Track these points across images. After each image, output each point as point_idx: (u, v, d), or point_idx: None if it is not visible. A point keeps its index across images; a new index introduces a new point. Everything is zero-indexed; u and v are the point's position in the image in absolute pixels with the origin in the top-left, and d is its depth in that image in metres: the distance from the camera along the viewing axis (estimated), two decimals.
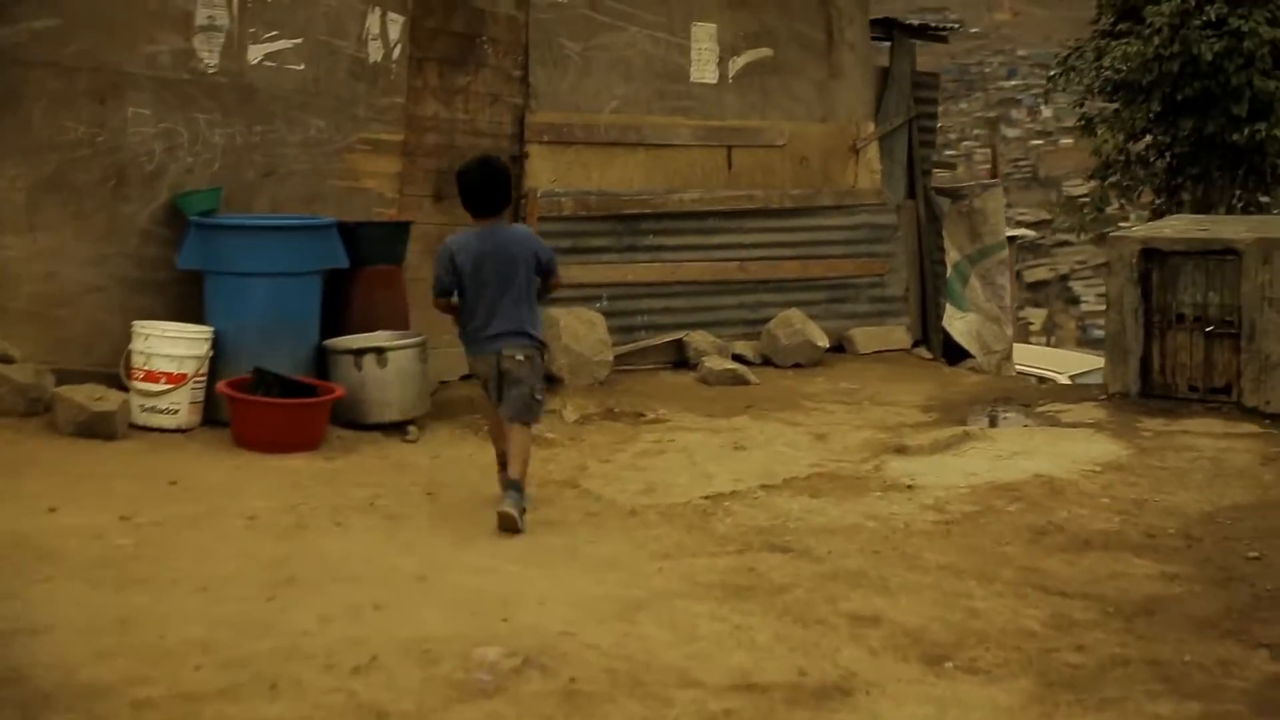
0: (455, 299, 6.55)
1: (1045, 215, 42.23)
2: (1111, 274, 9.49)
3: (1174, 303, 9.23)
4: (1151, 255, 9.30)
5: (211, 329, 7.92)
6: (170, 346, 7.75)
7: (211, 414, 7.88)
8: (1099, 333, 57.12)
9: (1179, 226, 10.04)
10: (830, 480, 7.34)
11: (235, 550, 5.69)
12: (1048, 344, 37.60)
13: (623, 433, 8.68)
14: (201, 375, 7.82)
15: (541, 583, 5.42)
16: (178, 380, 7.69)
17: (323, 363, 8.31)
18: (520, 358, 6.48)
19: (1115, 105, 16.22)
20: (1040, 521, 6.42)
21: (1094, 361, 17.79)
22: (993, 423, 9.29)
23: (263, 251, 8.10)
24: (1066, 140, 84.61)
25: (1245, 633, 4.99)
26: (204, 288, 8.15)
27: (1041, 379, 14.16)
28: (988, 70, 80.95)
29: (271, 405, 7.62)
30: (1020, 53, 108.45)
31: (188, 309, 8.11)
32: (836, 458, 7.98)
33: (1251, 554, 5.96)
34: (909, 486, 7.10)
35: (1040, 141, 73.34)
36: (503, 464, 6.55)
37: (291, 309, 8.20)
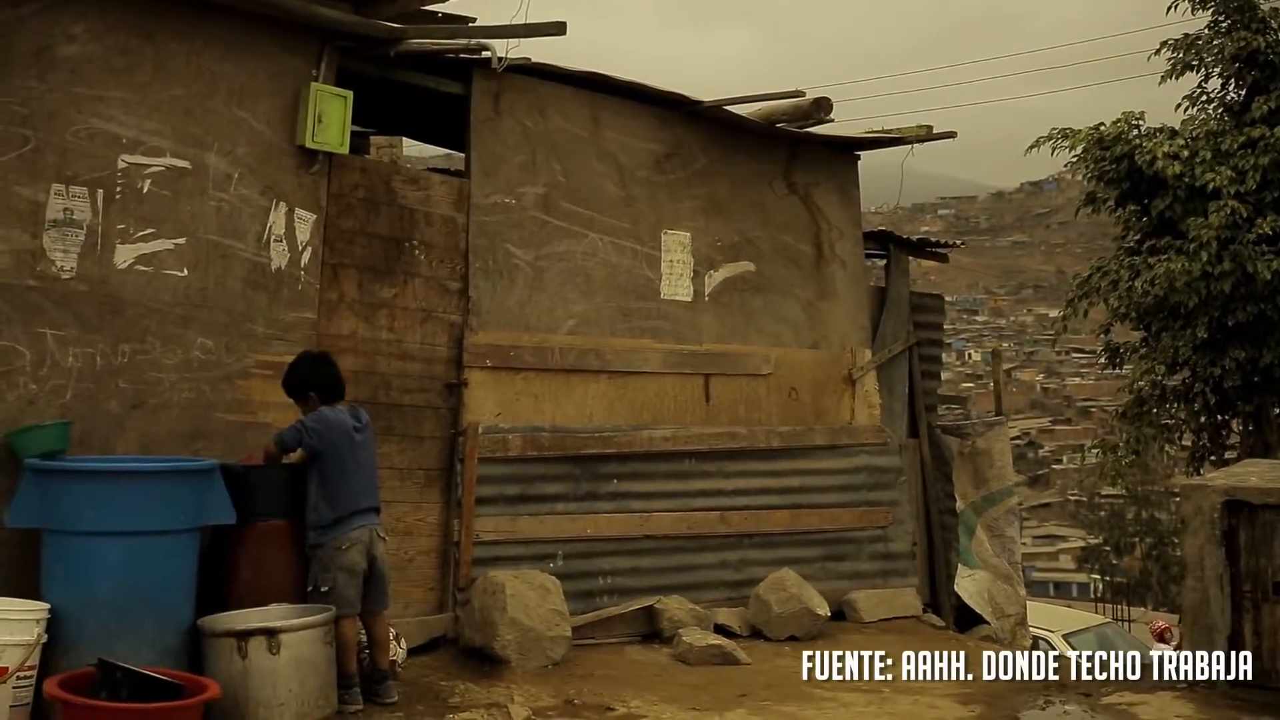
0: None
1: None
2: (1188, 532, 8.29)
3: (1270, 568, 8.00)
4: (1238, 509, 8.09)
5: (46, 606, 6.54)
6: None
7: (43, 719, 6.38)
8: (1037, 574, 58.04)
9: (1266, 474, 8.83)
10: None
11: None
12: None
13: None
14: (29, 669, 6.36)
15: None
16: None
17: (196, 649, 6.96)
18: (385, 538, 7.50)
19: (1144, 334, 14.82)
20: None
21: (1087, 618, 16.76)
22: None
23: (117, 504, 6.75)
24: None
25: None
26: (41, 551, 6.79)
27: (1034, 639, 12.87)
28: None
29: (118, 713, 6.06)
30: (948, 299, 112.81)
31: (19, 579, 6.75)
32: None
33: None
34: None
35: (971, 385, 78.46)
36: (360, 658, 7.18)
37: (154, 579, 6.82)
